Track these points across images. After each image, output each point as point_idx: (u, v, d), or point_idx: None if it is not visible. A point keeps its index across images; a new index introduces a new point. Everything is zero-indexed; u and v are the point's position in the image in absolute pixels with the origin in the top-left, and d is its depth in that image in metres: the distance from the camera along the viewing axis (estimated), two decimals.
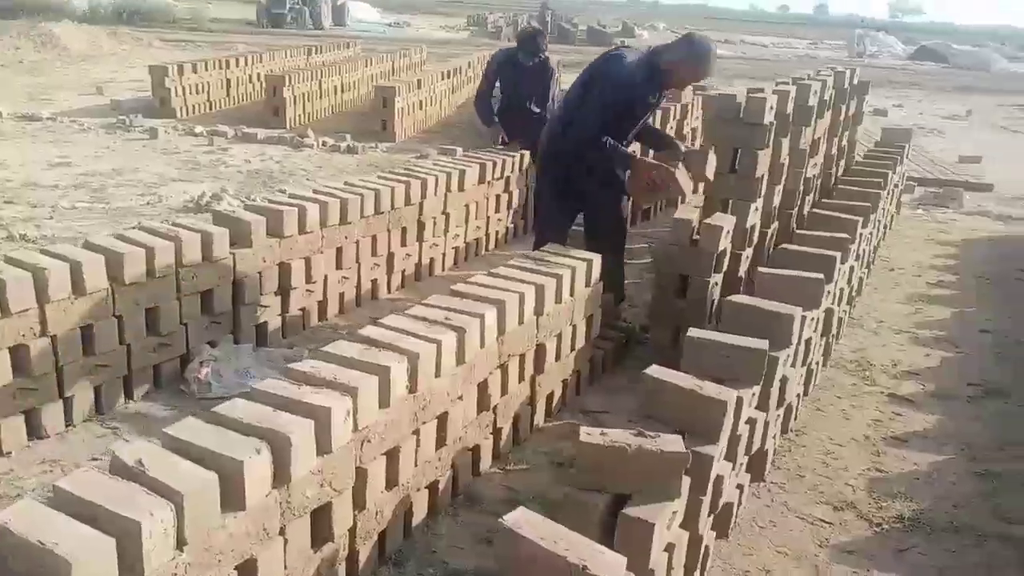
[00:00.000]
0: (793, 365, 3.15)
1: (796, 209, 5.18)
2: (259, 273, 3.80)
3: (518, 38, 6.32)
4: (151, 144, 8.46)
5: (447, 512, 2.75)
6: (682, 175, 3.79)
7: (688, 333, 2.67)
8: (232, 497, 1.82)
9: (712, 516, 2.45)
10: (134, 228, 3.67)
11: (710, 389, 2.32)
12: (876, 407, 3.70)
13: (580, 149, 3.89)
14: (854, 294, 4.74)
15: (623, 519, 1.93)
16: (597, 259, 3.47)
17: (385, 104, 9.58)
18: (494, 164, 5.46)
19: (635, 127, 4.02)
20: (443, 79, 11.58)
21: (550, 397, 3.37)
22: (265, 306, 3.89)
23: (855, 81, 6.50)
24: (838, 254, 3.67)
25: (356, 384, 2.19)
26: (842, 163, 6.75)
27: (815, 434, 3.42)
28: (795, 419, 3.46)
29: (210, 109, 10.56)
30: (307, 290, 4.13)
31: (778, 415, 3.12)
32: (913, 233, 7.00)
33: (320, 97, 10.80)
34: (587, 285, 3.42)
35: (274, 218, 3.86)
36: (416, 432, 2.50)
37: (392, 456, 2.41)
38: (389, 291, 4.79)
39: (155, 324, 3.35)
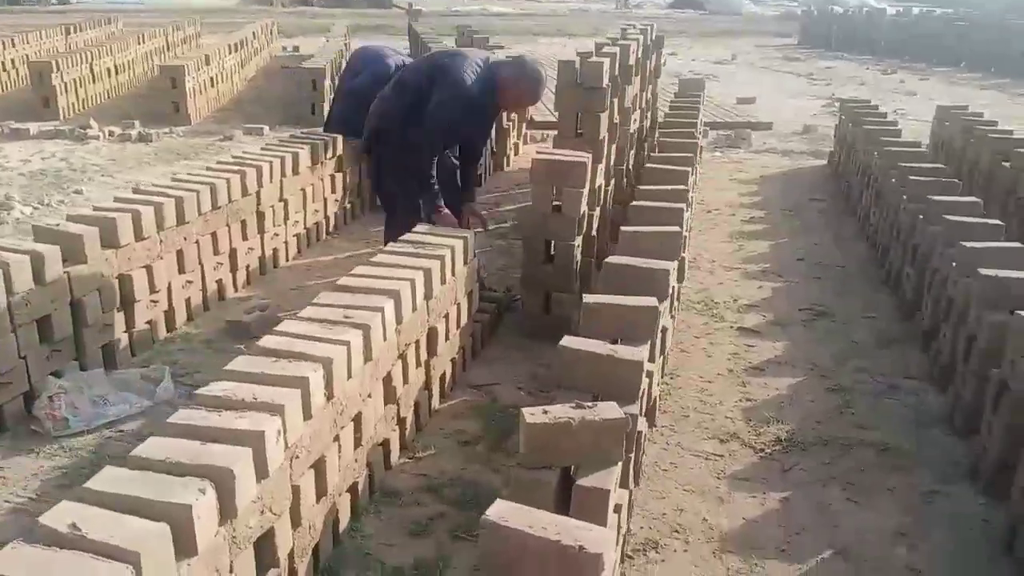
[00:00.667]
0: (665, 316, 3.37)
1: (626, 165, 5.46)
2: (98, 290, 3.44)
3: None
4: None
5: (368, 511, 2.70)
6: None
7: (584, 300, 2.76)
8: (182, 544, 1.69)
9: (634, 470, 2.60)
10: None
11: (623, 352, 2.44)
12: (730, 341, 4.05)
13: (408, 149, 3.86)
14: (689, 239, 5.11)
15: (578, 491, 2.00)
16: (470, 235, 3.49)
17: (175, 84, 8.86)
18: (325, 144, 5.26)
19: (464, 142, 4.09)
20: (231, 53, 10.89)
21: (443, 378, 3.37)
22: (109, 325, 3.54)
23: (653, 37, 6.90)
24: (683, 205, 3.93)
25: (280, 401, 2.08)
26: (649, 115, 7.17)
27: (686, 375, 3.69)
28: (667, 363, 3.71)
29: None
30: (151, 301, 3.81)
31: (659, 363, 3.33)
32: (716, 175, 7.61)
33: (94, 81, 9.75)
34: (465, 263, 3.43)
35: (107, 227, 3.50)
36: (336, 438, 2.42)
37: (319, 467, 2.32)
38: (236, 289, 4.52)
39: None
